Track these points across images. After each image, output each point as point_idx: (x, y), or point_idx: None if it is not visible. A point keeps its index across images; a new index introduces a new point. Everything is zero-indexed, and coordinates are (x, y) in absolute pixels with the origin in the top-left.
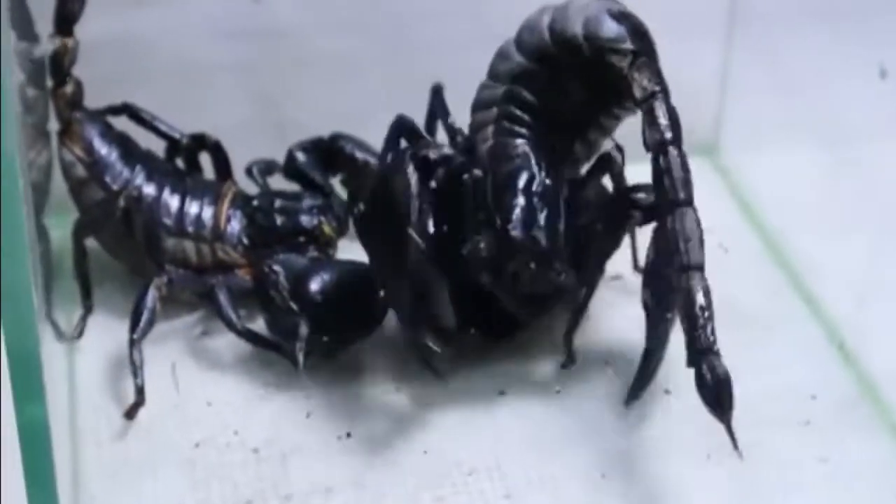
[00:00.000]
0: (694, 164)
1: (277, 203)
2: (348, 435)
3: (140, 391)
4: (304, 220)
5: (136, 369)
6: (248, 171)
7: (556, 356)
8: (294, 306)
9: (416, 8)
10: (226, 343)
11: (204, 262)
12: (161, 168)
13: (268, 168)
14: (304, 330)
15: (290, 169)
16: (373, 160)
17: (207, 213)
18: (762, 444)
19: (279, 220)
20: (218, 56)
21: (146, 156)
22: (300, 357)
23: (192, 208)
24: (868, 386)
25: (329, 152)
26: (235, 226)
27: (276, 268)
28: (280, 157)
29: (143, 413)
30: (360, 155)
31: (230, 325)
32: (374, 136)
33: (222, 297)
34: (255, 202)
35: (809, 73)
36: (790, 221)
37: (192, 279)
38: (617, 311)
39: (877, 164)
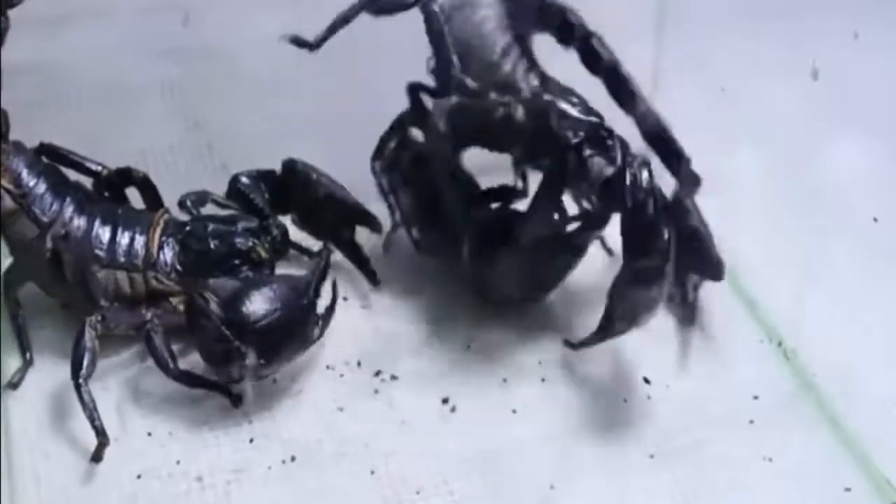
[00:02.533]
0: None
1: (210, 227)
2: (292, 459)
3: (101, 432)
4: (238, 242)
5: (91, 412)
6: (182, 204)
7: (503, 368)
8: (228, 333)
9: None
10: None
11: (138, 292)
12: (91, 199)
13: (201, 199)
14: (251, 360)
15: (233, 191)
16: (328, 190)
17: (139, 242)
18: (706, 444)
19: (213, 244)
20: (145, 77)
21: (76, 187)
22: (245, 389)
23: (124, 238)
24: (807, 383)
25: (281, 185)
26: (168, 253)
27: (207, 294)
28: (212, 182)
29: (80, 449)
30: (317, 185)
31: (165, 370)
32: (309, 153)
33: (157, 339)
34: (187, 227)
35: (740, 74)
36: (724, 220)
37: (126, 314)
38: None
39: (810, 163)
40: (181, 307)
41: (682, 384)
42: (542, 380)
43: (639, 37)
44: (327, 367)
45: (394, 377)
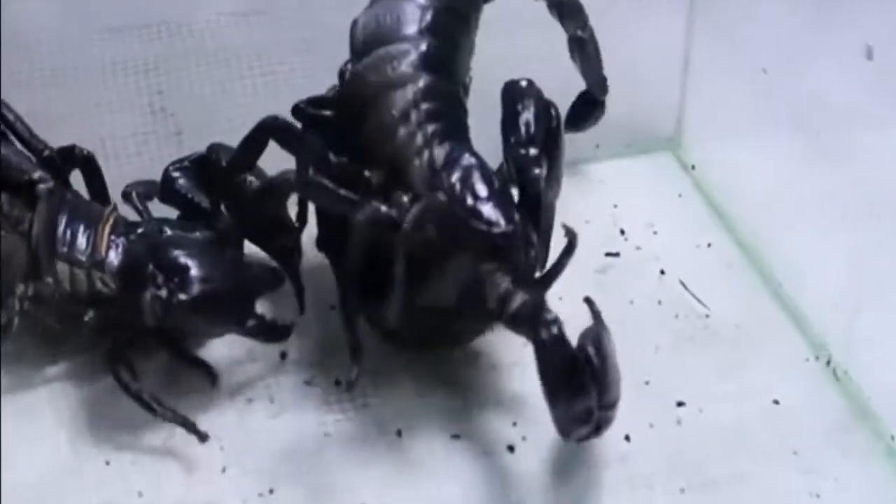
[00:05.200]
0: (655, 160)
1: (168, 233)
2: (270, 491)
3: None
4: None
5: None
6: (126, 196)
7: (455, 395)
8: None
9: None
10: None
11: (79, 290)
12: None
13: (148, 192)
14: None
15: (168, 192)
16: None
17: (85, 236)
18: (745, 477)
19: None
20: (105, 56)
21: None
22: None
23: (69, 228)
24: (860, 408)
25: (211, 168)
26: (115, 255)
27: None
28: None
29: (33, 479)
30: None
31: (126, 389)
32: None
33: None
34: (139, 230)
35: (783, 52)
36: (766, 222)
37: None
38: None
39: (862, 153)
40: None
41: (718, 407)
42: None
43: (668, 10)
44: (306, 383)
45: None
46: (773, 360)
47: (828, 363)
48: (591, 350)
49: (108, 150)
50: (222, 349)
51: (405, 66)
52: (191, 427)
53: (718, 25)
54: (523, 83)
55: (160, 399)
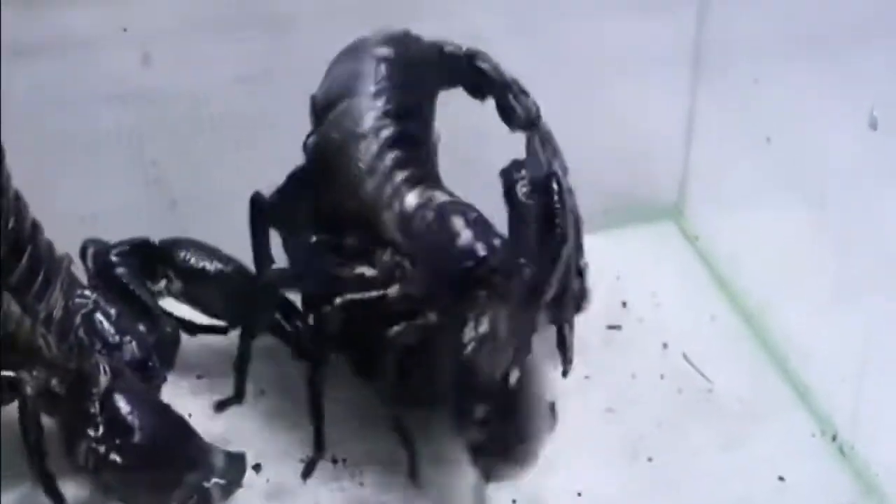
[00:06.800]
0: (657, 229)
1: (113, 316)
2: None
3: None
4: (128, 350)
5: None
6: (83, 253)
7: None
8: None
9: (322, 60)
10: None
11: (19, 342)
12: None
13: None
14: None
15: (107, 277)
16: (215, 267)
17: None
18: None
19: (111, 337)
20: (98, 125)
21: None
22: None
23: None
24: (867, 483)
25: (157, 259)
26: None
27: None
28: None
29: None
30: (197, 263)
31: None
32: None
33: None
34: (90, 305)
35: (787, 121)
36: (771, 294)
37: None
38: None
39: (868, 224)
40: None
41: (722, 484)
42: None
43: (673, 78)
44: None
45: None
46: (778, 436)
47: (834, 438)
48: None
49: (99, 224)
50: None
51: (367, 117)
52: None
53: (722, 94)
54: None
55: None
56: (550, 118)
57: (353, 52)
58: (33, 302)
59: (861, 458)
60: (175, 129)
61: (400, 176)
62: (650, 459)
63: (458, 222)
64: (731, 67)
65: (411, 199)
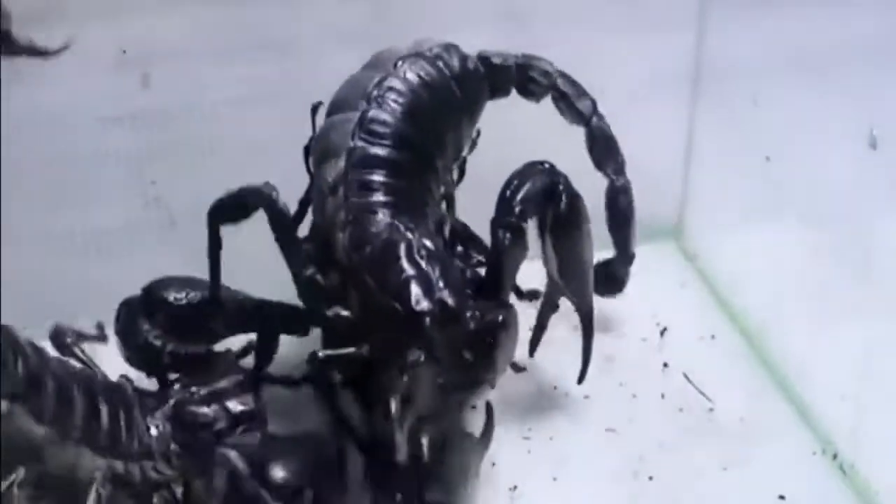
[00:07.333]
0: (657, 249)
1: (202, 392)
2: None
3: None
4: (232, 403)
5: None
6: (55, 339)
7: None
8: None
9: (321, 81)
10: None
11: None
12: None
13: (79, 336)
14: None
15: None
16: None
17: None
18: None
19: (212, 412)
20: (98, 146)
21: None
22: None
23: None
24: (867, 502)
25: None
26: (156, 435)
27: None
28: (171, 264)
29: None
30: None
31: None
32: None
33: None
34: (171, 400)
35: (786, 140)
36: (771, 313)
37: None
38: None
39: (867, 244)
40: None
41: (719, 503)
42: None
43: (673, 98)
44: None
45: None
46: (778, 454)
47: (834, 457)
48: None
49: (100, 241)
50: None
51: (340, 134)
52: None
53: (721, 114)
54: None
55: None
56: (550, 137)
57: (373, 63)
58: (128, 444)
59: (861, 476)
60: (174, 150)
61: (360, 201)
62: (651, 479)
63: (399, 258)
64: (731, 87)
65: (366, 228)
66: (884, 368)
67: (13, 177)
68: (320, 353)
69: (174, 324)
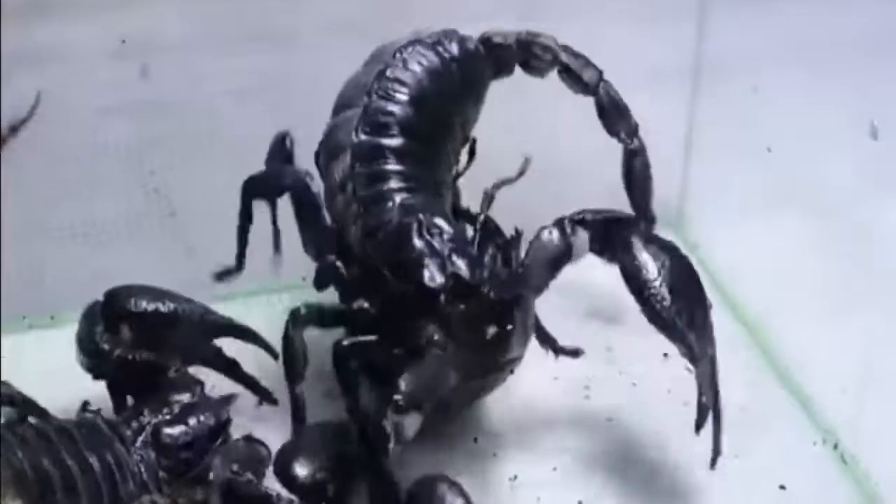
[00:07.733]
0: None
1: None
2: None
3: None
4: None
5: None
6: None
7: None
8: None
9: (320, 73)
10: None
11: None
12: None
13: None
14: None
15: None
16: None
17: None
18: None
19: (191, 428)
20: (96, 136)
21: None
22: None
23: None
24: (868, 492)
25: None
26: (145, 465)
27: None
28: (174, 259)
29: None
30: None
31: None
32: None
33: None
34: (148, 425)
35: (787, 130)
36: (772, 303)
37: None
38: None
39: (869, 234)
40: None
41: (724, 493)
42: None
43: (674, 88)
44: None
45: None
46: (779, 445)
47: (835, 447)
48: None
49: (100, 234)
50: None
51: (345, 132)
52: None
53: (722, 104)
54: None
55: None
56: (550, 128)
57: (374, 58)
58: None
59: (862, 466)
60: (173, 140)
61: (369, 192)
62: (651, 469)
63: (411, 238)
64: (731, 77)
65: (377, 216)
66: (885, 358)
67: (13, 168)
68: (344, 342)
69: (134, 333)
